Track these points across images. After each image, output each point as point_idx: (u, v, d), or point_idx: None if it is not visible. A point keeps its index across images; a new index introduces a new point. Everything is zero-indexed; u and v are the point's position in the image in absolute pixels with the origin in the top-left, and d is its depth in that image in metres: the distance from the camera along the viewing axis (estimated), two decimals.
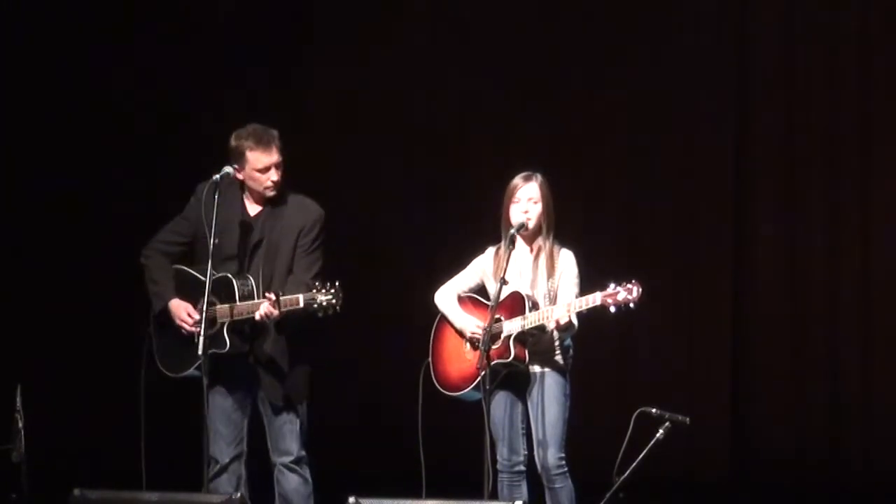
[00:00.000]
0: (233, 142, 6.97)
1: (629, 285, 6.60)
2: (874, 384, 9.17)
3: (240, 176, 6.95)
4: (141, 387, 6.98)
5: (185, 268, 7.02)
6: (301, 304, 6.68)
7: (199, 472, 6.95)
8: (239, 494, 6.56)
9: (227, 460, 6.97)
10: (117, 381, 7.87)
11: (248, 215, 6.98)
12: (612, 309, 6.61)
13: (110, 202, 9.70)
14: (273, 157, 6.92)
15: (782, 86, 9.34)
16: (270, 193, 6.97)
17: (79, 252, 9.56)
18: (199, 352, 6.61)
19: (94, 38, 9.95)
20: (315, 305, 6.65)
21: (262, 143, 6.91)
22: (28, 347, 9.56)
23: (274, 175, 6.93)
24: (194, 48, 9.98)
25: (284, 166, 6.98)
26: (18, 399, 7.29)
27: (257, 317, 6.74)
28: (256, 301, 6.78)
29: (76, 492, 6.43)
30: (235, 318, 6.79)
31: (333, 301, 6.64)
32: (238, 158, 6.93)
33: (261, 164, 6.91)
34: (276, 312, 6.69)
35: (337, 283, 6.67)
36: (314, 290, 6.67)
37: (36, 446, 7.36)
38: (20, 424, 7.26)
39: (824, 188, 9.28)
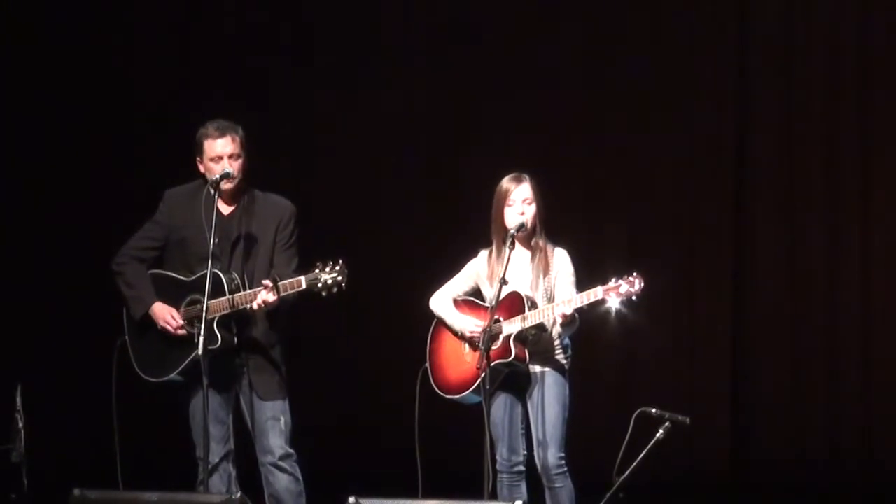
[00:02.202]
0: (197, 135, 6.95)
1: (631, 278, 6.58)
2: (874, 384, 9.16)
3: (201, 168, 6.91)
4: (112, 397, 6.98)
5: (161, 271, 6.99)
6: (304, 286, 6.62)
7: (185, 472, 6.94)
8: (238, 494, 6.53)
9: (216, 459, 6.93)
10: (118, 381, 7.85)
11: (223, 215, 6.92)
12: (616, 303, 6.59)
13: (112, 202, 9.68)
14: (227, 147, 6.86)
15: (782, 86, 9.33)
16: (226, 185, 6.86)
17: (79, 252, 9.54)
18: (200, 351, 6.57)
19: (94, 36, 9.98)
20: (319, 285, 6.58)
21: (217, 132, 6.87)
22: (28, 347, 9.55)
23: (227, 166, 6.83)
24: (195, 49, 9.99)
25: (246, 163, 6.92)
26: (18, 399, 7.28)
27: (255, 306, 6.70)
28: (253, 290, 6.74)
29: (76, 492, 6.41)
30: (232, 310, 6.74)
31: (339, 279, 6.57)
32: (198, 149, 6.91)
33: (213, 153, 6.85)
34: (272, 299, 6.65)
35: (341, 261, 6.60)
36: (317, 270, 6.60)
37: (36, 446, 7.36)
38: (20, 424, 7.26)
39: (824, 188, 9.27)
